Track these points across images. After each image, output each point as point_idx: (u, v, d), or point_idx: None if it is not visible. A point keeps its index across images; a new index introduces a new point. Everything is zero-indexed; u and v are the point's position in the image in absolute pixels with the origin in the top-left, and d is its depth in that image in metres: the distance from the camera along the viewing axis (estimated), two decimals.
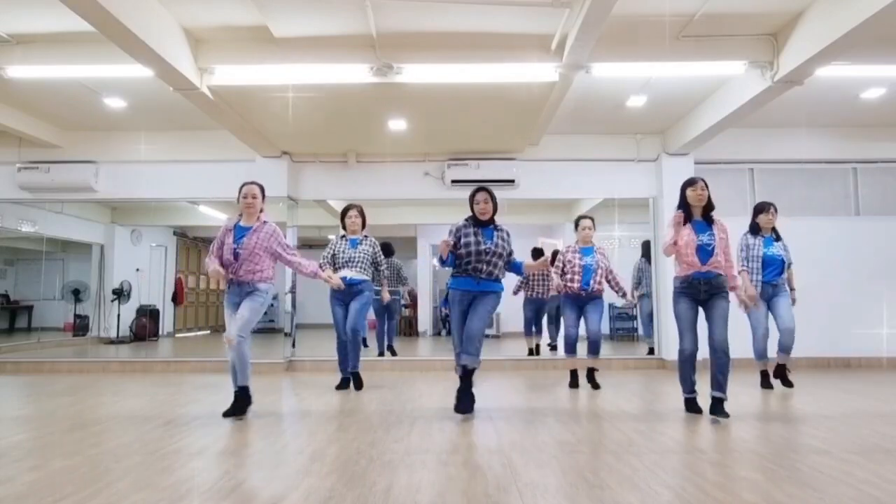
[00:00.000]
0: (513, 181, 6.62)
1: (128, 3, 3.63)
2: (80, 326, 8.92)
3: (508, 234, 4.05)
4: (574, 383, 5.08)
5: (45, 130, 6.45)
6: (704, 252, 3.81)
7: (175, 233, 10.58)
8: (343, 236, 5.06)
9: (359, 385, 4.95)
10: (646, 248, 7.08)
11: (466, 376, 3.81)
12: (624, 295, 5.27)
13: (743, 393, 4.68)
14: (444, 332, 10.52)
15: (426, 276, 10.58)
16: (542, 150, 6.80)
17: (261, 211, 3.95)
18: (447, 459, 2.74)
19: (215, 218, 8.87)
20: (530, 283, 7.24)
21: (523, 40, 4.49)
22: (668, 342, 6.40)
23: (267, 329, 9.49)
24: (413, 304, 10.62)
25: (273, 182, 6.51)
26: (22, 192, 6.70)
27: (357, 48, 4.58)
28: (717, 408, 3.67)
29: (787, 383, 4.91)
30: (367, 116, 5.60)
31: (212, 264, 3.82)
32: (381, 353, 7.05)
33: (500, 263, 3.94)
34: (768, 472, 2.51)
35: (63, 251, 9.02)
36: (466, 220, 4.01)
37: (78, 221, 8.61)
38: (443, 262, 3.94)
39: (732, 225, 5.82)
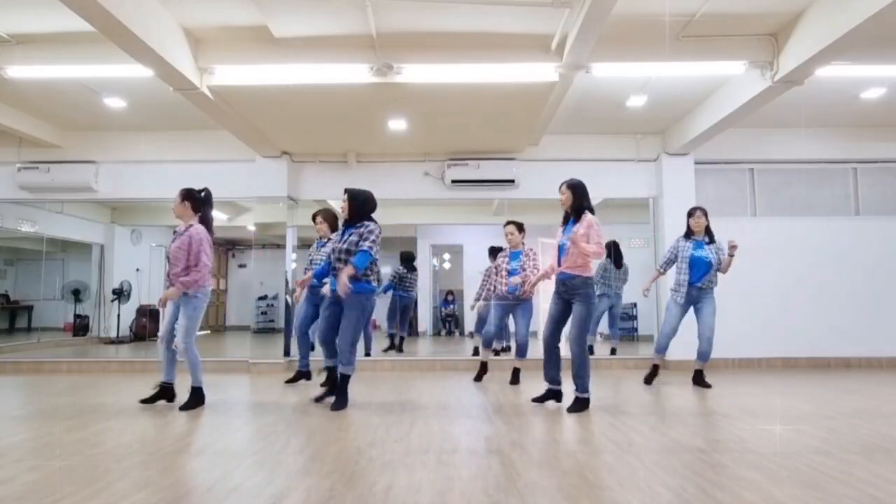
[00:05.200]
0: (513, 181, 6.62)
1: (128, 4, 3.63)
2: (80, 326, 8.92)
3: (367, 229, 4.00)
4: (479, 377, 5.37)
5: (45, 130, 6.45)
6: (562, 252, 4.00)
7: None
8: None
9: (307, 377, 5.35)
10: (615, 248, 6.98)
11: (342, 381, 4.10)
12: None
13: (742, 393, 4.68)
14: (443, 333, 10.57)
15: (426, 277, 10.57)
16: (542, 150, 6.80)
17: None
18: (447, 459, 2.74)
19: (215, 218, 8.84)
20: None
21: (523, 40, 4.49)
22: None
23: (267, 329, 9.50)
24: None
25: (273, 182, 6.54)
26: (22, 192, 6.70)
27: (357, 48, 4.58)
28: (576, 405, 3.90)
29: (705, 384, 4.99)
30: (367, 116, 5.60)
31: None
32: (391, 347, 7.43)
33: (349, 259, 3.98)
34: (768, 472, 2.51)
35: (63, 251, 9.01)
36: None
37: (78, 221, 8.60)
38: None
39: (732, 225, 5.87)
